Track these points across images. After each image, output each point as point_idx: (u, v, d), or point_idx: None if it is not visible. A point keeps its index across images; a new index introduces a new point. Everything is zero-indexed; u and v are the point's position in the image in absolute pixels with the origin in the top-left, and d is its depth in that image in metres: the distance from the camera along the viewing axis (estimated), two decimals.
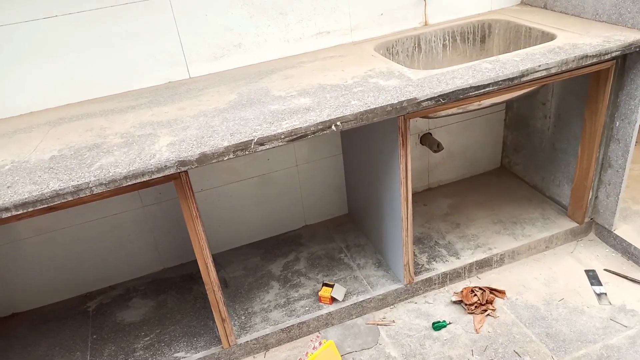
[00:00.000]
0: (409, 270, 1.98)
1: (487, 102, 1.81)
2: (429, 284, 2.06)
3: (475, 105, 1.80)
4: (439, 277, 2.06)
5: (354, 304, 1.97)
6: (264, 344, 1.89)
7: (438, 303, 2.02)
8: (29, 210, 1.25)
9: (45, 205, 1.27)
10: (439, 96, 1.52)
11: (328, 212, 2.47)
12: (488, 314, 1.93)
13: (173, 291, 2.15)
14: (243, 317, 1.96)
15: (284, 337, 1.91)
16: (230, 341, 1.82)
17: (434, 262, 2.11)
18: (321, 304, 1.97)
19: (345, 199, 2.47)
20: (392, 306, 2.03)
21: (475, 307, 1.95)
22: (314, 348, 1.74)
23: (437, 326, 1.89)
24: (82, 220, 2.04)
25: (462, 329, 1.89)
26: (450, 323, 1.91)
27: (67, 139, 1.53)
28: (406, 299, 2.05)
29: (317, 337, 1.76)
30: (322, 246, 2.30)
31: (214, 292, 1.69)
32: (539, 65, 1.61)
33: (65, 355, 1.89)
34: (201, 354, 1.82)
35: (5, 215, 1.23)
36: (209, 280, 1.66)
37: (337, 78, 1.73)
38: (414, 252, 1.95)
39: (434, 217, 2.39)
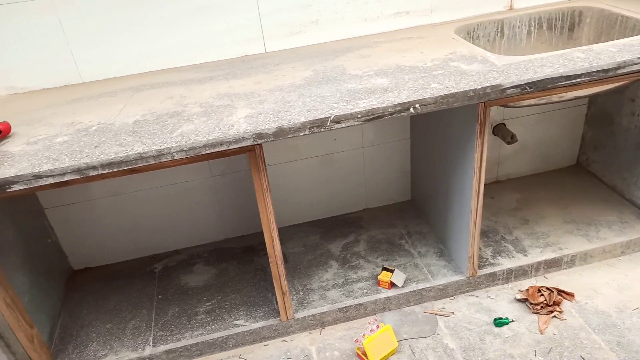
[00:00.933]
0: (473, 264, 1.92)
1: (572, 94, 1.70)
2: (492, 279, 2.00)
3: (557, 97, 1.70)
4: (503, 273, 1.99)
5: (413, 291, 1.94)
6: (321, 321, 1.91)
7: (501, 299, 1.96)
8: (114, 170, 1.31)
9: (129, 167, 1.32)
10: (525, 84, 1.45)
11: (390, 196, 2.44)
12: (554, 316, 1.85)
13: (234, 261, 2.20)
14: (301, 293, 1.98)
15: (341, 316, 1.92)
16: (289, 315, 1.85)
17: (499, 257, 2.04)
18: (380, 288, 1.96)
19: (408, 185, 2.43)
20: (451, 297, 1.99)
21: (541, 307, 1.88)
22: (371, 330, 1.74)
23: (499, 322, 1.84)
24: (155, 185, 2.13)
25: (526, 328, 1.82)
26: (513, 321, 1.85)
27: (148, 105, 1.58)
28: (467, 291, 2.00)
29: (375, 320, 1.76)
30: (383, 230, 2.28)
31: (277, 265, 1.72)
32: (639, 58, 1.49)
33: (132, 311, 2.00)
34: (260, 324, 1.86)
35: (92, 173, 1.30)
36: (273, 253, 1.69)
37: (416, 60, 1.68)
38: (478, 253, 1.89)
39: (501, 211, 2.30)
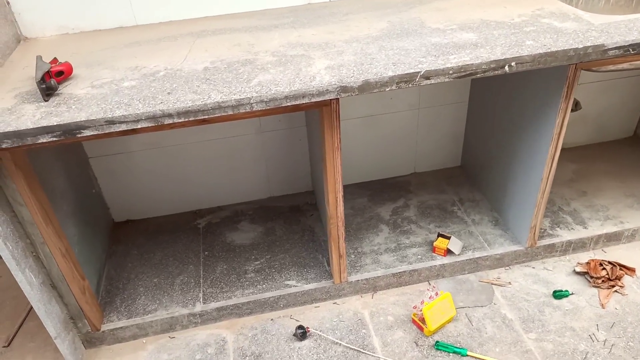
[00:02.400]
0: (534, 234, 1.86)
1: None
2: (550, 251, 1.94)
3: None
4: (562, 245, 1.93)
5: (469, 259, 1.89)
6: (373, 286, 1.86)
7: (558, 271, 1.91)
8: (189, 119, 1.22)
9: (205, 117, 1.23)
10: (629, 45, 1.34)
11: (440, 161, 2.36)
12: (616, 290, 1.80)
13: (281, 220, 2.14)
14: (353, 256, 1.93)
15: (394, 281, 1.87)
16: (342, 278, 1.80)
17: (557, 229, 1.98)
18: (434, 254, 1.91)
19: (459, 151, 2.34)
20: (507, 267, 1.94)
21: (602, 281, 1.82)
22: (430, 297, 1.69)
23: (559, 295, 1.79)
24: (201, 139, 2.04)
25: (586, 302, 1.77)
26: (572, 294, 1.80)
27: (216, 52, 1.48)
28: (523, 262, 1.94)
29: (433, 287, 1.71)
30: (433, 196, 2.21)
31: (337, 227, 1.65)
32: None
33: (179, 266, 1.95)
34: (312, 285, 1.82)
35: (167, 121, 1.21)
36: (335, 214, 1.62)
37: (500, 15, 1.56)
38: (541, 221, 1.83)
39: (556, 182, 2.22)
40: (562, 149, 2.42)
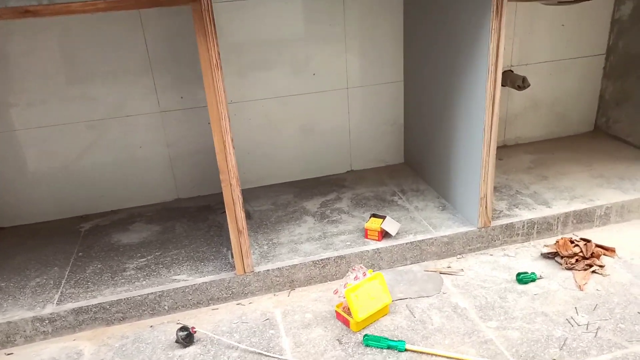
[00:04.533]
0: (486, 208, 1.50)
1: None
2: (510, 234, 1.57)
3: None
4: (523, 226, 1.57)
5: (410, 243, 1.50)
6: (289, 279, 1.44)
7: (522, 257, 1.53)
8: None
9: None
10: None
11: (380, 157, 2.04)
12: (594, 271, 1.42)
13: (185, 219, 1.75)
14: (265, 247, 1.53)
15: (316, 274, 1.46)
16: (246, 266, 1.39)
17: (515, 209, 1.63)
18: (367, 240, 1.52)
19: (401, 145, 2.04)
20: (459, 256, 1.55)
21: (577, 260, 1.44)
22: (355, 278, 1.28)
23: (524, 278, 1.40)
24: (88, 117, 1.70)
25: (559, 285, 1.38)
26: (541, 277, 1.41)
27: None
28: (478, 249, 1.57)
29: (361, 267, 1.31)
30: (371, 189, 1.86)
31: (230, 187, 1.28)
32: None
33: (41, 269, 1.51)
34: (206, 278, 1.39)
35: None
36: (225, 167, 1.26)
37: None
38: (493, 192, 1.49)
39: (512, 170, 1.91)
40: (519, 144, 2.15)
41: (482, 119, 1.40)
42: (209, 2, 1.09)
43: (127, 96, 1.71)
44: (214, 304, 1.41)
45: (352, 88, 1.90)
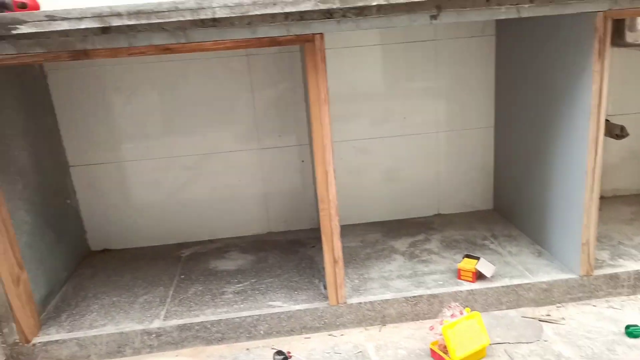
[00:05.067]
0: (588, 256, 1.44)
1: None
2: (614, 285, 1.49)
3: None
4: (629, 277, 1.49)
5: (506, 287, 1.46)
6: (381, 314, 1.44)
7: (629, 310, 1.43)
8: (141, 22, 1.06)
9: (159, 20, 1.06)
10: None
11: (468, 202, 2.02)
12: None
13: (277, 250, 1.81)
14: (357, 281, 1.55)
15: (408, 311, 1.45)
16: (340, 297, 1.41)
17: (619, 260, 1.55)
18: (460, 280, 1.50)
19: (490, 189, 2.01)
20: (558, 304, 1.48)
21: None
22: (452, 316, 1.27)
23: (634, 331, 1.31)
24: (194, 152, 1.85)
25: None
26: None
27: None
28: (579, 298, 1.49)
29: (457, 305, 1.29)
30: (460, 232, 1.84)
31: (330, 216, 1.34)
32: None
33: (147, 287, 1.62)
34: (301, 306, 1.43)
35: (115, 22, 1.05)
36: (326, 196, 1.32)
37: None
38: (595, 239, 1.44)
39: (612, 221, 1.83)
40: (617, 196, 2.05)
41: (583, 163, 1.37)
42: (322, 43, 1.19)
43: (229, 133, 1.85)
44: (306, 333, 1.44)
45: (441, 132, 1.93)
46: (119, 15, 1.05)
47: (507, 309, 1.48)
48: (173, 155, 1.86)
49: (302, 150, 1.90)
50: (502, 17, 1.16)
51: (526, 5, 1.16)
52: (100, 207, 1.88)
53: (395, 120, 1.89)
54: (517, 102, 1.73)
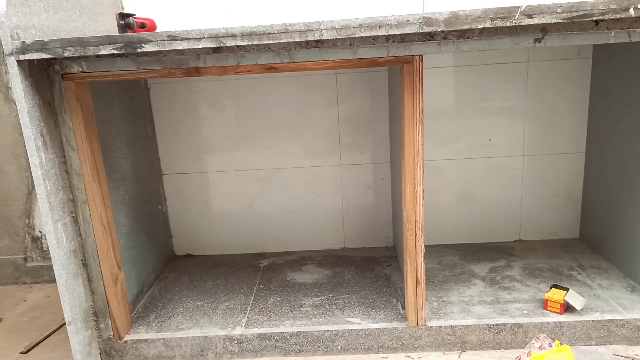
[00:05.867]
0: None
1: None
2: None
3: None
4: None
5: (597, 321, 1.39)
6: (461, 340, 1.42)
7: None
8: (253, 42, 1.12)
9: (269, 41, 1.12)
10: None
11: (551, 229, 1.95)
12: None
13: (352, 267, 1.83)
14: (435, 304, 1.53)
15: (490, 338, 1.41)
16: (420, 318, 1.40)
17: None
18: (547, 311, 1.45)
19: (577, 218, 1.93)
20: None
21: None
22: (540, 348, 1.22)
23: None
24: (278, 165, 1.92)
25: None
26: None
27: None
28: None
29: (546, 337, 1.24)
30: (544, 261, 1.78)
31: (415, 236, 1.33)
32: None
33: (229, 294, 1.68)
34: (380, 325, 1.43)
35: (230, 42, 1.12)
36: (413, 216, 1.32)
37: None
38: None
39: None
40: None
41: None
42: (420, 64, 1.21)
43: (313, 148, 1.90)
44: (383, 352, 1.44)
45: (527, 156, 1.88)
46: (233, 36, 1.12)
47: (596, 345, 1.41)
48: (253, 168, 1.93)
49: (377, 168, 1.91)
50: (612, 41, 1.13)
51: (638, 30, 1.12)
52: (186, 213, 1.98)
53: (478, 140, 1.87)
54: (613, 129, 1.66)
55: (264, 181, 1.95)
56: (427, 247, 1.95)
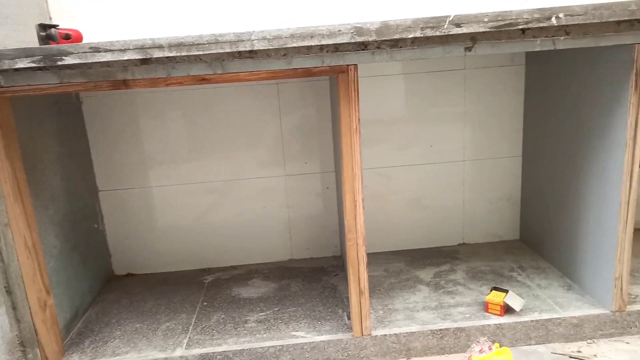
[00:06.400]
0: (621, 291, 1.41)
1: None
2: None
3: None
4: None
5: (535, 321, 1.43)
6: (406, 347, 1.42)
7: None
8: (182, 54, 1.08)
9: (199, 52, 1.09)
10: None
11: (494, 232, 2.00)
12: None
13: (299, 278, 1.80)
14: (381, 312, 1.53)
15: (434, 344, 1.42)
16: (364, 328, 1.39)
17: None
18: (488, 314, 1.47)
19: (517, 219, 1.99)
20: (590, 340, 1.44)
21: None
22: (481, 351, 1.24)
23: None
24: (222, 177, 1.87)
25: None
26: None
27: None
28: (612, 335, 1.45)
29: (486, 340, 1.26)
30: (486, 263, 1.81)
31: (357, 246, 1.33)
32: None
33: (170, 314, 1.62)
34: (325, 337, 1.41)
35: (157, 54, 1.08)
36: (354, 227, 1.31)
37: None
38: (629, 274, 1.40)
39: None
40: None
41: (617, 195, 1.35)
42: (355, 74, 1.21)
43: (255, 159, 1.87)
44: None
45: (468, 161, 1.92)
46: (160, 47, 1.07)
47: (536, 344, 1.44)
48: (199, 181, 1.87)
49: (323, 177, 1.90)
50: (537, 49, 1.16)
51: (562, 38, 1.16)
52: (126, 231, 1.90)
53: (421, 147, 1.89)
54: (546, 132, 1.73)
55: (210, 194, 1.89)
56: (375, 254, 1.96)
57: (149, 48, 1.08)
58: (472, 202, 1.96)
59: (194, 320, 1.57)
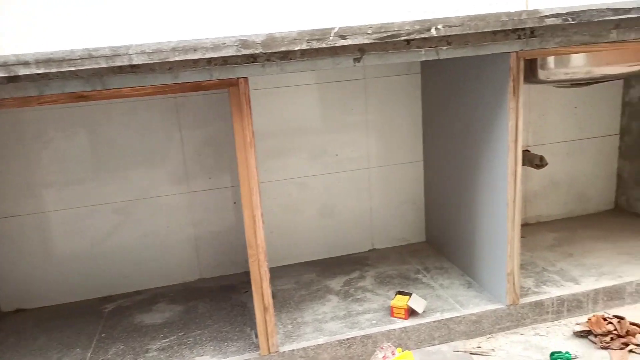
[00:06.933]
0: (514, 285, 1.49)
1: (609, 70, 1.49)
2: (540, 312, 1.54)
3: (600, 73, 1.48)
4: (552, 304, 1.54)
5: (438, 322, 1.47)
6: (315, 359, 1.40)
7: (554, 336, 1.48)
8: (52, 70, 1.00)
9: (72, 68, 1.01)
10: (567, 14, 1.22)
11: (401, 236, 2.05)
12: (631, 350, 1.37)
13: (207, 298, 1.74)
14: (290, 326, 1.51)
15: (342, 354, 1.42)
16: (271, 346, 1.36)
17: (543, 286, 1.61)
18: (393, 318, 1.49)
19: (422, 223, 2.06)
20: (488, 335, 1.51)
21: (612, 339, 1.40)
22: (384, 357, 1.25)
23: (558, 358, 1.35)
24: (120, 198, 1.76)
25: None
26: (576, 357, 1.36)
27: None
28: (508, 328, 1.53)
29: (389, 346, 1.28)
30: (394, 267, 1.85)
31: (258, 262, 1.29)
32: None
33: (63, 350, 1.49)
34: (231, 359, 1.36)
35: (23, 71, 0.98)
36: (254, 242, 1.28)
37: None
38: (519, 268, 1.49)
39: (537, 248, 1.90)
40: (540, 222, 2.16)
41: (504, 194, 1.43)
42: (246, 87, 1.18)
43: (157, 177, 1.78)
44: None
45: (373, 168, 1.96)
46: (26, 64, 0.98)
47: (439, 343, 1.49)
48: (96, 203, 1.75)
49: (230, 192, 1.86)
50: (423, 59, 1.20)
51: (444, 48, 1.21)
52: (15, 262, 1.73)
53: (329, 156, 1.90)
54: (442, 137, 1.80)
55: (109, 216, 1.77)
56: (286, 267, 1.93)
57: (13, 65, 0.99)
58: (379, 208, 2.00)
59: (89, 354, 1.45)
